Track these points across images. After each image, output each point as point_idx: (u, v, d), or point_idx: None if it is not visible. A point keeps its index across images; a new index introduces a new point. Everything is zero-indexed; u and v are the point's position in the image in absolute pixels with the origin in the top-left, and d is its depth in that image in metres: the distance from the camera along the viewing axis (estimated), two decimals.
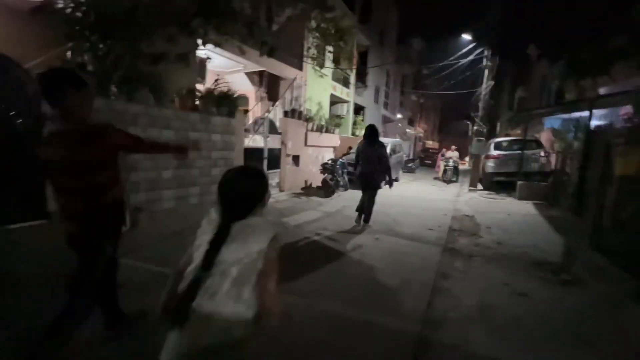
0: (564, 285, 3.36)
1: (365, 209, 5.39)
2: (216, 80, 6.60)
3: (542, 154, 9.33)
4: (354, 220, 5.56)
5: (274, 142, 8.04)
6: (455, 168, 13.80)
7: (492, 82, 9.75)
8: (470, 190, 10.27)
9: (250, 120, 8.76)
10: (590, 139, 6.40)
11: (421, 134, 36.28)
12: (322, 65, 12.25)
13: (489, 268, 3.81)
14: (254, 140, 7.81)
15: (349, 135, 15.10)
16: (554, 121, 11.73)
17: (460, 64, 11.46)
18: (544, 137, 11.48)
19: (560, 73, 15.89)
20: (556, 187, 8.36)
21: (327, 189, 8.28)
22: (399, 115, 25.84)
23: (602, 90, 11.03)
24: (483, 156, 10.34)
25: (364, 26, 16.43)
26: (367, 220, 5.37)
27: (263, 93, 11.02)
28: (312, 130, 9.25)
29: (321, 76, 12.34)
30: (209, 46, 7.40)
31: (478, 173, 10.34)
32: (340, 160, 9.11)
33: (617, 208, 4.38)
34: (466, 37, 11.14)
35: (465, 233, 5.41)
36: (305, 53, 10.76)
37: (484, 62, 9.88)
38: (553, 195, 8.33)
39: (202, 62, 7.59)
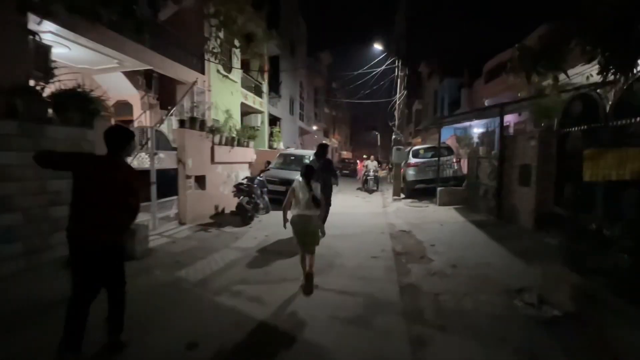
0: (558, 323, 2.69)
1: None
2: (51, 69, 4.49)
3: (454, 160, 9.81)
4: (282, 256, 4.21)
5: (167, 161, 6.07)
6: (376, 177, 13.84)
7: (405, 92, 9.84)
8: (394, 199, 10.10)
9: None
10: (505, 143, 6.59)
11: (336, 145, 37.40)
12: (228, 67, 10.68)
13: (467, 317, 2.95)
14: (139, 160, 5.69)
15: (266, 148, 13.72)
16: (449, 130, 12.84)
17: (372, 74, 11.52)
18: (449, 143, 12.37)
19: (450, 87, 17.96)
20: (471, 191, 8.69)
21: (244, 215, 6.69)
22: (314, 127, 25.73)
23: (486, 102, 12.54)
24: (403, 164, 10.37)
25: (274, 33, 15.50)
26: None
27: (153, 99, 8.74)
28: (220, 143, 7.55)
29: (226, 76, 10.71)
30: (56, 29, 5.19)
31: (400, 182, 10.29)
32: (259, 177, 7.65)
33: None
34: (376, 47, 11.24)
35: (413, 257, 4.64)
36: (206, 49, 9.04)
37: (397, 72, 9.93)
38: (470, 199, 8.61)
39: (42, 50, 5.16)
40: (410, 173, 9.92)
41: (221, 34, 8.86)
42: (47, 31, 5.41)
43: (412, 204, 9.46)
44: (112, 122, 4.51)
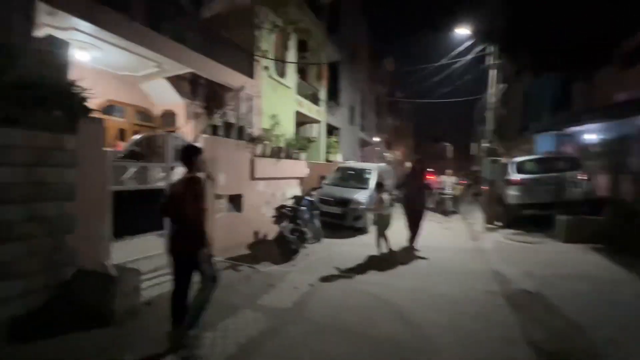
0: None
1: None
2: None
3: (582, 176, 6.85)
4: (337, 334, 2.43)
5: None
6: (454, 197, 11.19)
7: (504, 86, 7.37)
8: (488, 228, 7.50)
9: (123, 143, 5.39)
10: None
11: (399, 157, 34.50)
12: (280, 70, 9.56)
13: None
14: (151, 175, 4.55)
15: (321, 161, 12.23)
16: (547, 138, 9.59)
17: (453, 67, 9.19)
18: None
19: (550, 85, 14.29)
20: (620, 223, 5.73)
21: (285, 249, 5.10)
22: (376, 139, 23.67)
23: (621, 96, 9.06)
24: (499, 181, 7.74)
25: (333, 38, 14.26)
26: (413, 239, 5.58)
27: (199, 108, 7.95)
28: (263, 155, 6.20)
29: (279, 82, 9.57)
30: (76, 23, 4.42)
31: (495, 205, 7.66)
32: (308, 197, 6.05)
33: None
34: (457, 32, 8.86)
35: None
36: (257, 48, 8.01)
37: (488, 60, 7.55)
38: (618, 235, 5.66)
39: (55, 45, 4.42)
40: (514, 194, 7.24)
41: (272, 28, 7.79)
42: (71, 28, 4.74)
43: (517, 238, 6.78)
44: (102, 123, 3.41)
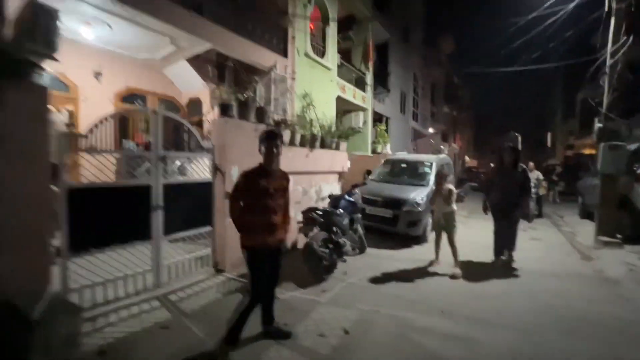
0: None
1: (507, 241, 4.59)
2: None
3: None
4: None
5: (195, 169, 3.82)
6: (538, 196, 8.81)
7: (630, 37, 5.08)
8: (603, 242, 5.30)
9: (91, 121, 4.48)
10: None
11: (456, 151, 30.97)
12: (318, 51, 8.29)
13: None
14: (139, 170, 3.54)
15: (367, 153, 10.66)
16: None
17: (544, 24, 6.85)
18: None
19: None
20: None
21: (314, 268, 3.80)
22: (431, 129, 21.13)
23: None
24: (625, 177, 5.44)
25: (382, 14, 12.51)
26: (511, 249, 4.59)
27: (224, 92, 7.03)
28: (292, 144, 4.97)
29: (317, 62, 8.29)
30: None
31: (615, 209, 5.39)
32: (347, 197, 4.68)
33: None
34: None
35: None
36: (290, 20, 6.83)
37: (608, 3, 5.30)
38: None
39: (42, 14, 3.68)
40: None
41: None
42: None
43: None
44: (44, 92, 2.46)
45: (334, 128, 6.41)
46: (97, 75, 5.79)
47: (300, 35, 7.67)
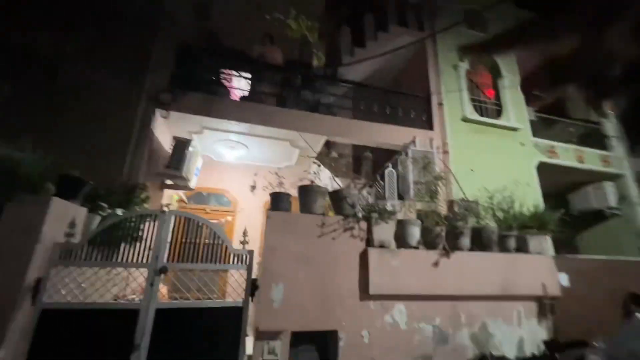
0: None
1: None
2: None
3: None
4: None
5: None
6: None
7: None
8: None
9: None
10: None
11: None
12: (490, 110, 6.08)
13: None
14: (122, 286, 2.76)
15: (632, 256, 5.45)
16: None
17: None
18: None
19: None
20: None
21: None
22: None
23: None
24: None
25: None
26: None
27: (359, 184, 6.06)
28: (401, 245, 2.97)
29: (489, 125, 5.89)
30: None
31: None
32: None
33: None
34: None
35: None
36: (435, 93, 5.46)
37: None
38: None
39: (180, 146, 4.51)
40: None
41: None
42: (202, 129, 4.93)
43: None
44: (46, 205, 2.35)
45: (513, 215, 3.64)
46: (252, 188, 6.66)
47: (451, 98, 5.93)
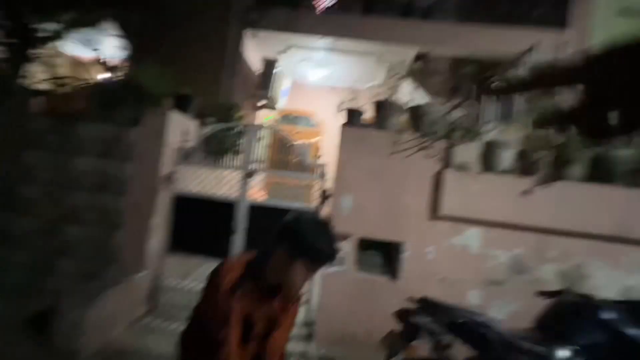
0: None
1: None
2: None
3: None
4: None
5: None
6: None
7: None
8: None
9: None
10: None
11: None
12: None
13: None
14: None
15: None
16: None
17: None
18: None
19: None
20: None
21: None
22: None
23: None
24: None
25: None
26: None
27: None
28: (461, 167, 2.68)
29: None
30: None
31: None
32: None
33: None
34: None
35: None
36: None
37: None
38: None
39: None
40: None
41: None
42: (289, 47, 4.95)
43: None
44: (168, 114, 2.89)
45: None
46: (338, 109, 6.67)
47: None
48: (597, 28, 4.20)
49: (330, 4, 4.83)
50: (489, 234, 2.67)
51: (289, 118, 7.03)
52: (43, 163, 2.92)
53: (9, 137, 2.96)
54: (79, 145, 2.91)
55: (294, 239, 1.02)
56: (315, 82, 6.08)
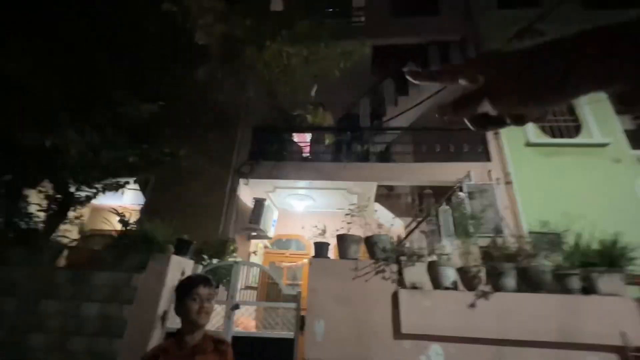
0: None
1: None
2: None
3: None
4: None
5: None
6: None
7: None
8: None
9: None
10: None
11: None
12: (563, 130, 5.64)
13: None
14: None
15: None
16: None
17: None
18: None
19: None
20: None
21: None
22: None
23: None
24: None
25: None
26: None
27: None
28: (469, 285, 3.16)
29: (560, 146, 5.36)
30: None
31: None
32: None
33: None
34: None
35: None
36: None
37: None
38: None
39: (258, 204, 5.72)
40: None
41: None
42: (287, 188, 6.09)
43: None
44: (168, 259, 3.49)
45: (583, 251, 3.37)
46: (322, 232, 7.42)
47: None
48: (511, 157, 5.43)
49: (305, 156, 6.25)
50: (450, 350, 2.92)
51: (281, 242, 7.72)
52: (55, 311, 3.35)
53: (32, 288, 3.48)
54: (89, 292, 3.42)
55: (176, 290, 1.52)
56: (301, 210, 7.05)
